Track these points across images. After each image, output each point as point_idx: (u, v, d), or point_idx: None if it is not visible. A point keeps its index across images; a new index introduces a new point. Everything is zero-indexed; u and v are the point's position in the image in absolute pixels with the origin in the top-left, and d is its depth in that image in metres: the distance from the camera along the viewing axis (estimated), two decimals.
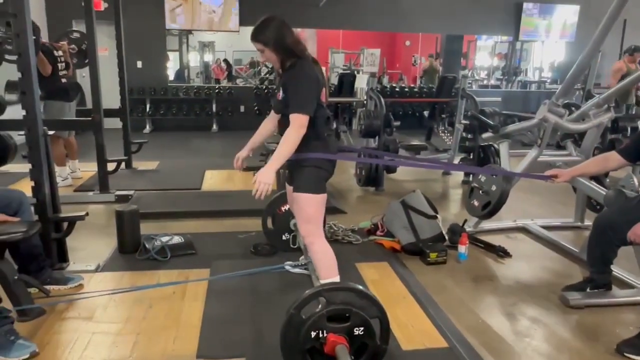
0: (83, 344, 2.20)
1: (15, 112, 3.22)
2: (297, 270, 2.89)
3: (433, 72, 11.32)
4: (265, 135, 2.56)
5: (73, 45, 5.34)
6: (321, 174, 2.25)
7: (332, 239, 3.48)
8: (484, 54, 13.12)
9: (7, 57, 3.87)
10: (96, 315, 2.45)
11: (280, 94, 2.24)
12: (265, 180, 2.08)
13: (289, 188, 2.45)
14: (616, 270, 2.81)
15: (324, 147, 2.25)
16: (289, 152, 2.13)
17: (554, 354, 2.27)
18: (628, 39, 9.10)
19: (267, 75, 10.91)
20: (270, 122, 2.52)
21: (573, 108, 3.69)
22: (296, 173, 2.25)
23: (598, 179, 3.64)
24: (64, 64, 4.90)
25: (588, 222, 3.91)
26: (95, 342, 2.22)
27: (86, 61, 5.17)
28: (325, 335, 1.83)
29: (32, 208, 2.72)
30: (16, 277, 2.29)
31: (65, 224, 2.96)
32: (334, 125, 7.22)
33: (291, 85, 2.18)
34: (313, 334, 1.83)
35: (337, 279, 2.27)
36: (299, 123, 2.12)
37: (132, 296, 2.63)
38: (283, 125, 2.25)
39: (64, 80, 4.90)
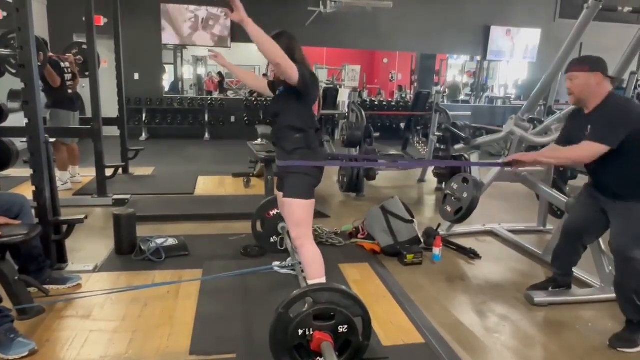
0: (81, 341, 2.14)
1: (17, 119, 3.13)
2: (284, 270, 2.86)
3: (456, 89, 11.61)
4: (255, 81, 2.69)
5: (79, 57, 5.24)
6: (309, 181, 2.25)
7: (317, 242, 3.40)
8: (455, 72, 13.25)
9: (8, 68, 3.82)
10: (94, 314, 2.38)
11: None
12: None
13: (279, 194, 2.44)
14: (576, 271, 2.84)
15: (312, 156, 2.25)
16: (269, 45, 1.95)
17: (521, 348, 2.28)
18: None
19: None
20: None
21: (536, 122, 3.74)
22: (286, 180, 2.25)
23: (559, 187, 3.69)
24: (70, 75, 4.81)
25: (550, 226, 3.97)
26: (93, 339, 2.16)
27: (87, 73, 5.09)
28: (311, 332, 1.80)
29: (33, 211, 2.64)
30: (17, 278, 2.22)
31: (64, 227, 2.89)
32: None
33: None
34: (300, 331, 1.80)
35: (323, 279, 2.25)
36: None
37: (128, 295, 2.57)
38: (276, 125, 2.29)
39: (70, 90, 4.81)
